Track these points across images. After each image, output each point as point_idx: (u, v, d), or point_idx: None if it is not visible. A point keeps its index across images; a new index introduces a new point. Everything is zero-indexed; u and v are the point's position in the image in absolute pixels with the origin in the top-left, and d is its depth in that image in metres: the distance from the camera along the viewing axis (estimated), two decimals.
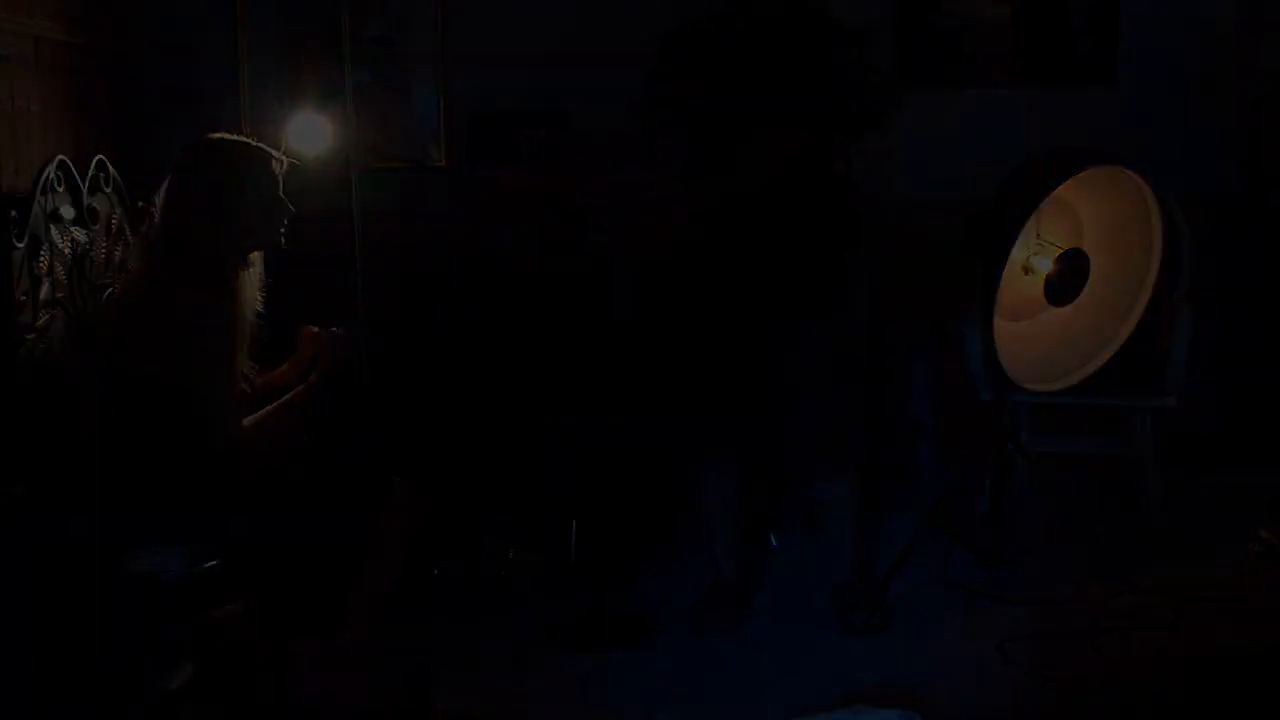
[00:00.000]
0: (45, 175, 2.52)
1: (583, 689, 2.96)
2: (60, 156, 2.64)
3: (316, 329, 2.75)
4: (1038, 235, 3.45)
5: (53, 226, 2.54)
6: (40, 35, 2.66)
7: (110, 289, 2.77)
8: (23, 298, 2.44)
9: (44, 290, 2.53)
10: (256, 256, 2.62)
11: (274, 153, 2.60)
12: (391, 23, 4.53)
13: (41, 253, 2.51)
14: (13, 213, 2.41)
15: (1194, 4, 4.61)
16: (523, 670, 3.04)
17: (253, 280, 2.61)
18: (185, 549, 2.32)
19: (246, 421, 2.57)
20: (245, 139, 2.59)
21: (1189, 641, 3.11)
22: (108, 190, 2.84)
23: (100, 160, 2.84)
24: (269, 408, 2.63)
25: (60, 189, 2.59)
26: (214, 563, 2.29)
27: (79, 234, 2.65)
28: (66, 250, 2.56)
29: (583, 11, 3.93)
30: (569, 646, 3.18)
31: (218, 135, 2.58)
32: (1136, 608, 3.32)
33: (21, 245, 2.41)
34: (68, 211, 2.61)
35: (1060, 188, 3.35)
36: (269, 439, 2.60)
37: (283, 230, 2.64)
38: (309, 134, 3.16)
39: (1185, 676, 2.80)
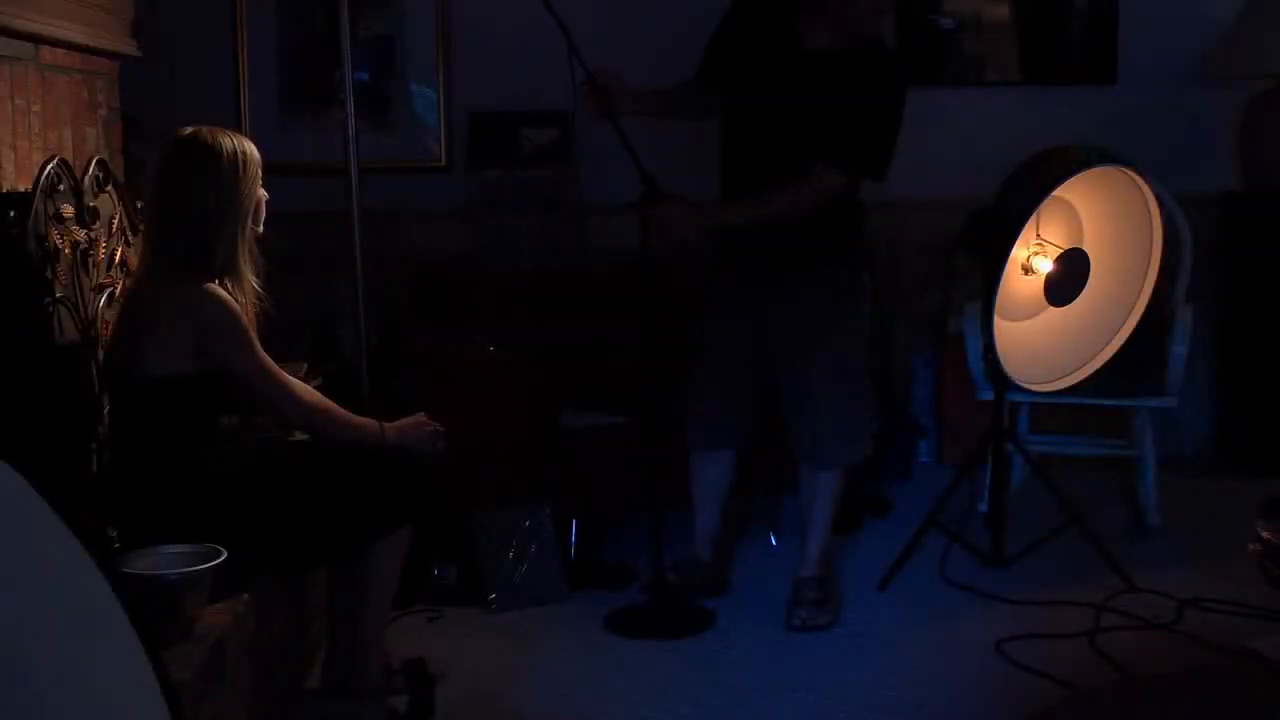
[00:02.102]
0: (45, 174, 2.52)
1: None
2: (60, 156, 2.64)
3: (437, 425, 2.81)
4: (1038, 235, 3.45)
5: (53, 225, 2.54)
6: (40, 34, 2.65)
7: (111, 289, 2.77)
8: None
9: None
10: (250, 242, 2.62)
11: (246, 144, 2.60)
12: (391, 22, 4.53)
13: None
14: (11, 212, 2.41)
15: (1193, 4, 4.62)
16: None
17: (248, 266, 2.61)
18: (187, 548, 2.32)
19: (310, 399, 2.65)
20: (210, 130, 2.58)
21: (1189, 641, 3.12)
22: (108, 190, 2.84)
23: (100, 160, 2.84)
24: (338, 409, 2.69)
25: (61, 188, 2.59)
26: (216, 562, 2.28)
27: (79, 233, 2.65)
28: (67, 250, 2.55)
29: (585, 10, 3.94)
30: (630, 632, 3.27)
31: (189, 129, 2.58)
32: (1136, 608, 3.32)
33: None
34: (68, 211, 2.61)
35: (1060, 188, 3.35)
36: (320, 429, 2.68)
37: (260, 219, 2.66)
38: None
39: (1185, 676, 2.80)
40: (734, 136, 3.41)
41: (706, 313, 3.51)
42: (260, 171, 2.63)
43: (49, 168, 2.55)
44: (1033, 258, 3.48)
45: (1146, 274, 3.50)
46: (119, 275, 2.83)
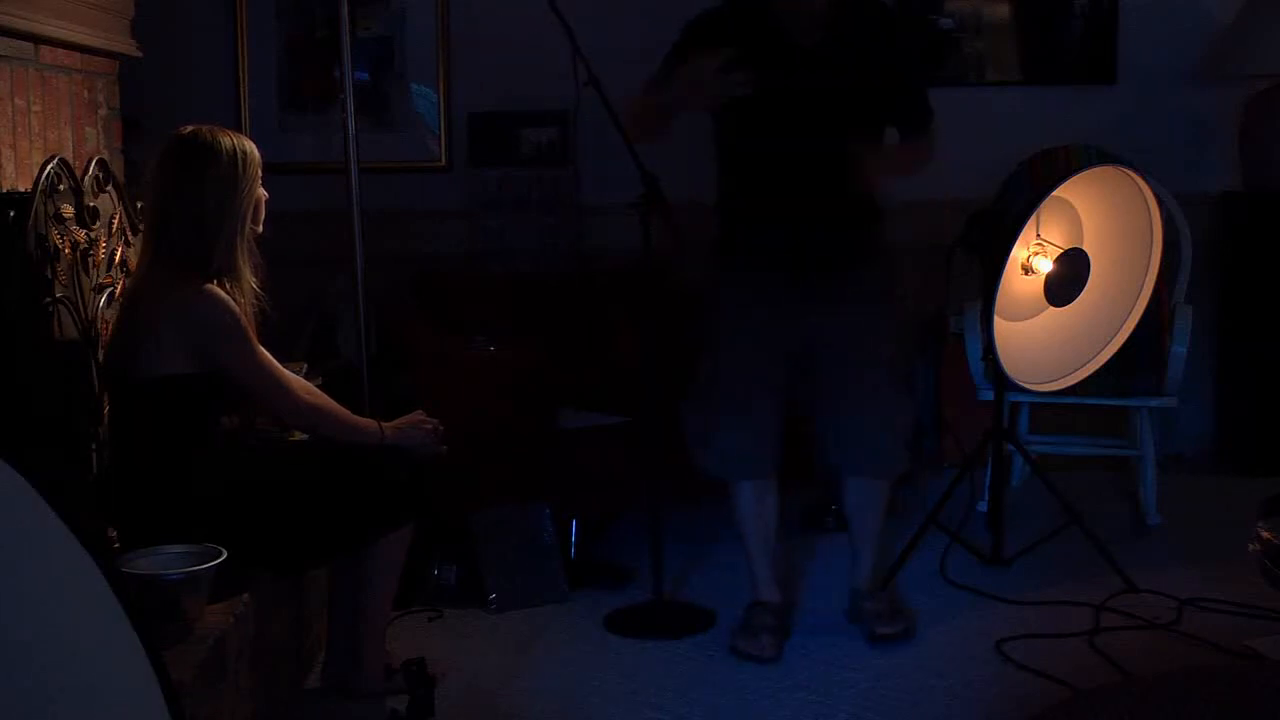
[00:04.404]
0: (45, 175, 2.52)
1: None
2: (60, 156, 2.64)
3: (435, 421, 2.82)
4: (1038, 235, 3.45)
5: (53, 225, 2.55)
6: (40, 34, 2.65)
7: (111, 289, 2.77)
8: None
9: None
10: (250, 242, 2.63)
11: (246, 143, 2.60)
12: (391, 22, 4.54)
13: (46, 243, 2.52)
14: (11, 213, 2.41)
15: (1193, 4, 4.62)
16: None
17: (247, 266, 2.61)
18: (186, 548, 2.32)
19: (308, 399, 2.66)
20: (210, 129, 2.59)
21: (1189, 641, 3.12)
22: (108, 189, 2.84)
23: (100, 160, 2.84)
24: (337, 408, 2.70)
25: (61, 188, 2.59)
26: (216, 562, 2.28)
27: (79, 233, 2.65)
28: (67, 250, 2.56)
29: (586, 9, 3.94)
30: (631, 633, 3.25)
31: (189, 128, 2.59)
32: (1136, 608, 3.32)
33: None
34: (68, 211, 2.61)
35: (1060, 188, 3.35)
36: (317, 429, 2.69)
37: (259, 219, 2.66)
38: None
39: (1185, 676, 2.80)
40: (747, 138, 3.17)
41: (728, 324, 3.24)
42: (260, 171, 2.63)
43: (49, 168, 2.55)
44: (1033, 258, 3.48)
45: (1146, 274, 3.50)
46: (119, 275, 2.83)
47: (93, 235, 2.71)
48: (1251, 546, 2.77)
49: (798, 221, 3.14)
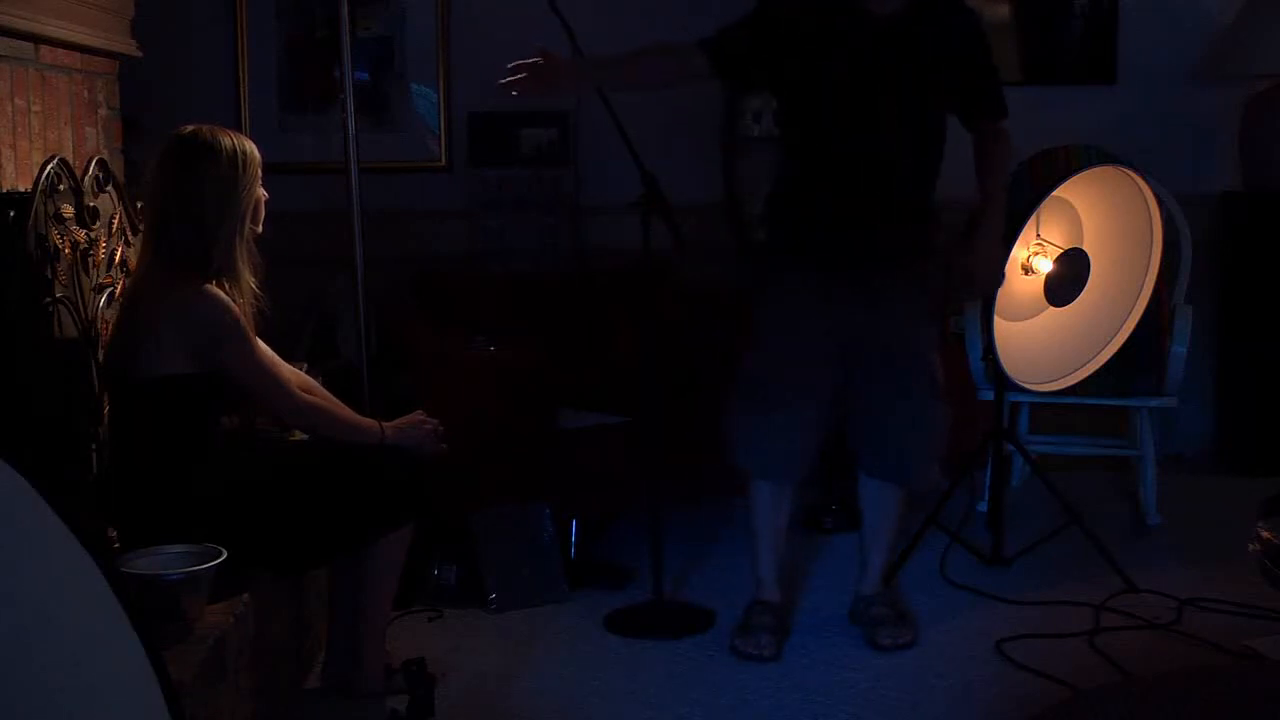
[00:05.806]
0: (45, 174, 2.52)
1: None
2: (60, 156, 2.64)
3: (435, 421, 2.82)
4: (1038, 235, 3.45)
5: (53, 225, 2.55)
6: (41, 34, 2.65)
7: (111, 289, 2.77)
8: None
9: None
10: (249, 242, 2.63)
11: (246, 143, 2.60)
12: (391, 22, 4.54)
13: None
14: (11, 213, 2.42)
15: (1193, 4, 4.63)
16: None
17: (246, 266, 2.61)
18: (186, 548, 2.32)
19: (308, 400, 2.67)
20: (210, 129, 2.59)
21: (1189, 641, 3.12)
22: (108, 190, 2.84)
23: (100, 160, 2.84)
24: (338, 408, 2.72)
25: (61, 188, 2.59)
26: (216, 562, 2.28)
27: (79, 233, 2.65)
28: (67, 250, 2.56)
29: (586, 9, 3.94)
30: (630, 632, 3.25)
31: (189, 128, 2.59)
32: (1136, 608, 3.32)
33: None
34: (68, 211, 2.61)
35: (1060, 188, 3.35)
36: (317, 429, 2.69)
37: (259, 219, 2.66)
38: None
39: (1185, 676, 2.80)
40: (821, 119, 3.04)
41: (774, 320, 3.13)
42: (260, 171, 2.63)
43: (49, 168, 2.55)
44: (1033, 258, 3.48)
45: (1146, 274, 3.50)
46: (119, 275, 2.83)
47: (93, 235, 2.71)
48: (1251, 546, 2.77)
49: (854, 219, 3.03)
